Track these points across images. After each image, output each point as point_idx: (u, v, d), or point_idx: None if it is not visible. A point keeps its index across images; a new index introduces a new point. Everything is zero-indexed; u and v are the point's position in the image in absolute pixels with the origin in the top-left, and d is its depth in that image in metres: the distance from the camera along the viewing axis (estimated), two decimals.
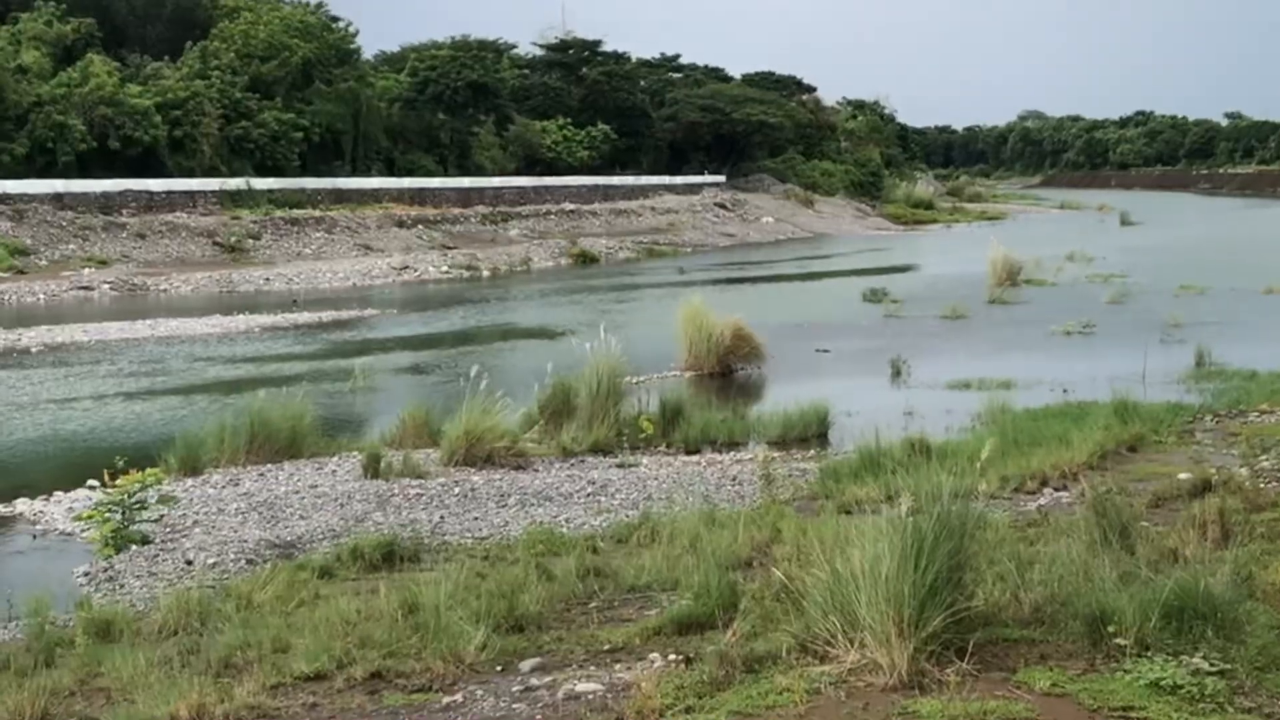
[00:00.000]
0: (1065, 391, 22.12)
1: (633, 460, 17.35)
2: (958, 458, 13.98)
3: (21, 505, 15.78)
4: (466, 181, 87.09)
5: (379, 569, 11.51)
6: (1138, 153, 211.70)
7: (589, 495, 15.06)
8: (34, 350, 32.60)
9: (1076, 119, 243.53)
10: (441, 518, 13.98)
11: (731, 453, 18.00)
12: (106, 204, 64.70)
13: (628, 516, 13.44)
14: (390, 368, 29.31)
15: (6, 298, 46.90)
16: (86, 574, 12.48)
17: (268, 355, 31.67)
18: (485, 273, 59.65)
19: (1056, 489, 13.65)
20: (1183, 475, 13.06)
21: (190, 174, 73.62)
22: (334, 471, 16.82)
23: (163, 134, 74.06)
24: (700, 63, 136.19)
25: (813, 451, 17.81)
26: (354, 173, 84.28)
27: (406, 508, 14.48)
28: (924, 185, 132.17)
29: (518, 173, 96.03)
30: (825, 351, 29.62)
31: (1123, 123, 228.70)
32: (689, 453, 18.07)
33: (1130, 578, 7.78)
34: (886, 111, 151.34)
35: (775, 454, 17.15)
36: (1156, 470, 13.96)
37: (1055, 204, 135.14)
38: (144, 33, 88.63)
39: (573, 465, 17.20)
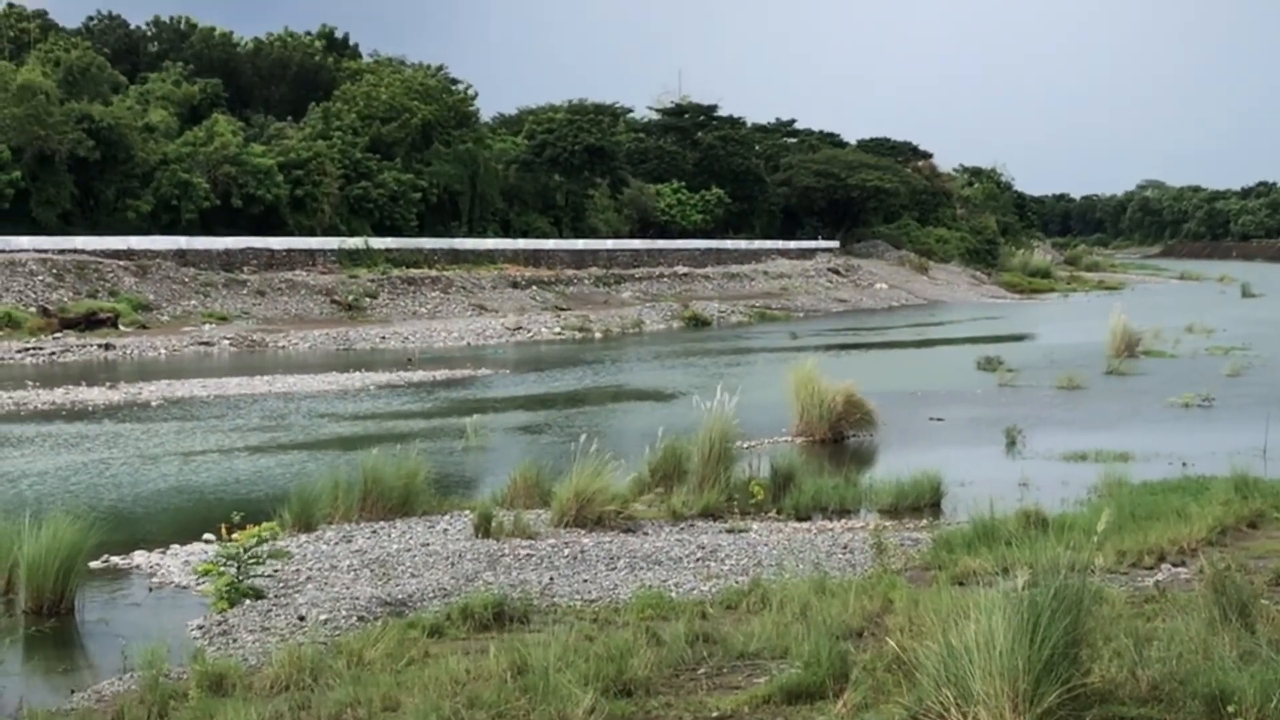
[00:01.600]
0: (1184, 465, 21.76)
1: (743, 525, 17.26)
2: (1074, 531, 13.80)
3: (139, 557, 15.99)
4: (580, 243, 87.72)
5: (488, 629, 11.54)
6: (1260, 224, 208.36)
7: (699, 560, 14.99)
8: (154, 404, 33.17)
9: (1197, 189, 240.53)
10: (551, 579, 13.98)
11: (843, 520, 17.86)
12: (228, 261, 65.93)
13: (737, 582, 13.36)
14: (502, 426, 29.45)
15: (129, 352, 47.81)
16: (201, 627, 12.60)
17: (383, 412, 31.98)
18: (597, 334, 59.89)
19: (1174, 565, 13.41)
20: None
21: (310, 232, 74.87)
22: (445, 530, 16.90)
23: (284, 193, 75.44)
24: (815, 128, 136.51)
25: (925, 521, 17.61)
26: (470, 233, 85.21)
27: (516, 568, 14.50)
28: (1041, 253, 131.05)
29: (631, 235, 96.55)
30: (939, 420, 29.35)
31: (1244, 193, 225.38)
32: (800, 519, 17.95)
33: (1251, 657, 7.61)
34: (1003, 179, 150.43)
35: (887, 522, 17.02)
36: (1278, 548, 13.66)
37: (1174, 274, 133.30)
38: (268, 93, 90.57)
39: (682, 529, 17.13)
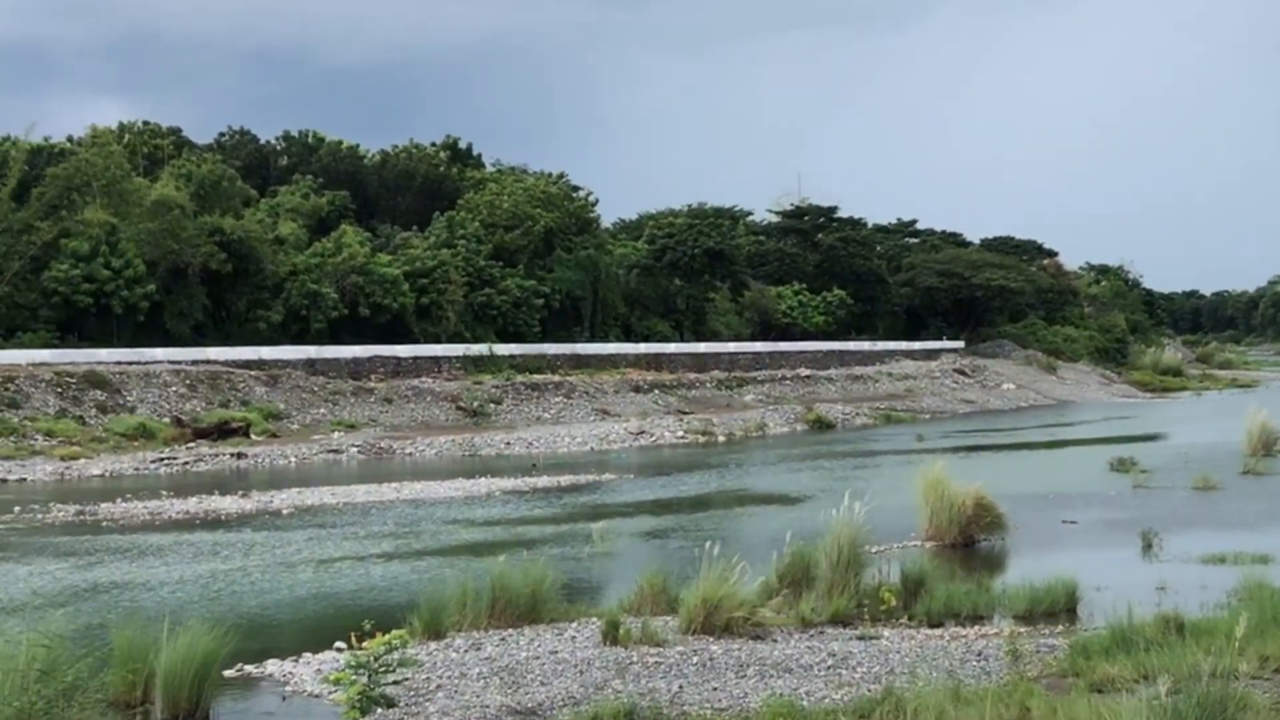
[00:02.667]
0: None
1: (874, 632, 17.04)
2: (1214, 636, 13.48)
3: (271, 666, 16.12)
4: (702, 346, 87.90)
5: None
6: None
7: (829, 668, 14.80)
8: (285, 512, 33.58)
9: None
10: (680, 687, 13.87)
11: (976, 626, 17.56)
12: (356, 369, 66.95)
13: (870, 690, 13.17)
14: (628, 532, 29.41)
15: (260, 460, 48.54)
16: None
17: (509, 518, 32.10)
18: (721, 437, 59.78)
19: None
20: None
21: (435, 340, 75.86)
22: (573, 637, 16.86)
23: (410, 301, 76.58)
24: (937, 228, 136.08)
25: (1061, 626, 17.28)
26: (592, 338, 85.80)
27: (645, 676, 14.41)
28: (1171, 351, 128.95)
29: (753, 338, 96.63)
30: (1072, 523, 28.86)
31: None
32: (932, 625, 17.68)
33: None
34: (1130, 276, 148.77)
35: (1022, 628, 16.71)
36: None
37: None
38: (394, 204, 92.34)
39: (812, 636, 16.95)
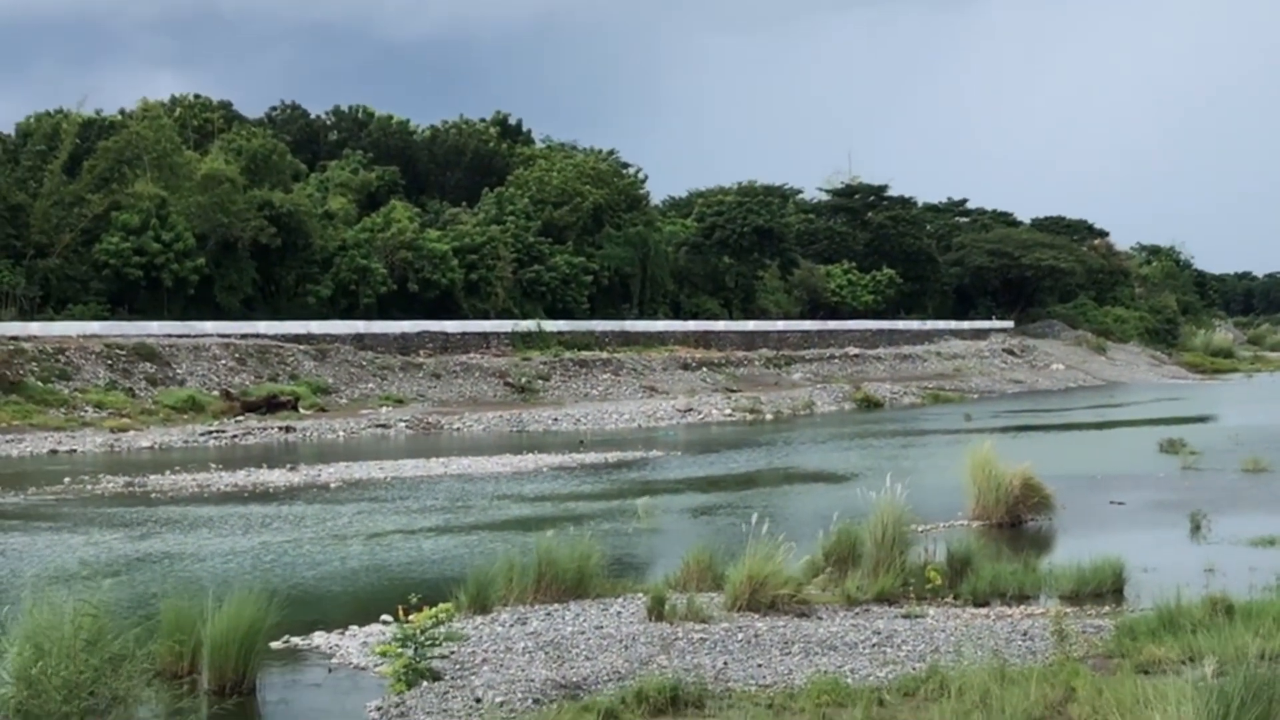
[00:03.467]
0: None
1: (919, 611, 17.00)
2: (1263, 618, 13.40)
3: (318, 638, 16.22)
4: (750, 324, 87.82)
5: (663, 713, 11.50)
6: None
7: (874, 646, 14.78)
8: (333, 486, 33.77)
9: None
10: (725, 663, 13.88)
11: (1022, 606, 17.49)
12: (404, 345, 67.22)
13: (914, 669, 13.14)
14: (674, 508, 29.42)
15: (308, 434, 48.81)
16: (379, 708, 12.72)
17: (556, 494, 32.17)
18: (768, 415, 59.72)
19: None
20: None
21: (484, 316, 76.06)
22: (619, 613, 16.89)
23: (459, 277, 76.80)
24: (988, 207, 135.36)
25: (1107, 607, 17.20)
26: (641, 315, 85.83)
27: (690, 652, 14.43)
28: (1223, 333, 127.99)
29: (801, 316, 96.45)
30: (1120, 504, 28.68)
31: None
32: (977, 605, 17.62)
33: None
34: (1182, 257, 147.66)
35: (1068, 609, 16.63)
36: None
37: None
38: (443, 180, 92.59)
39: (857, 614, 16.93)
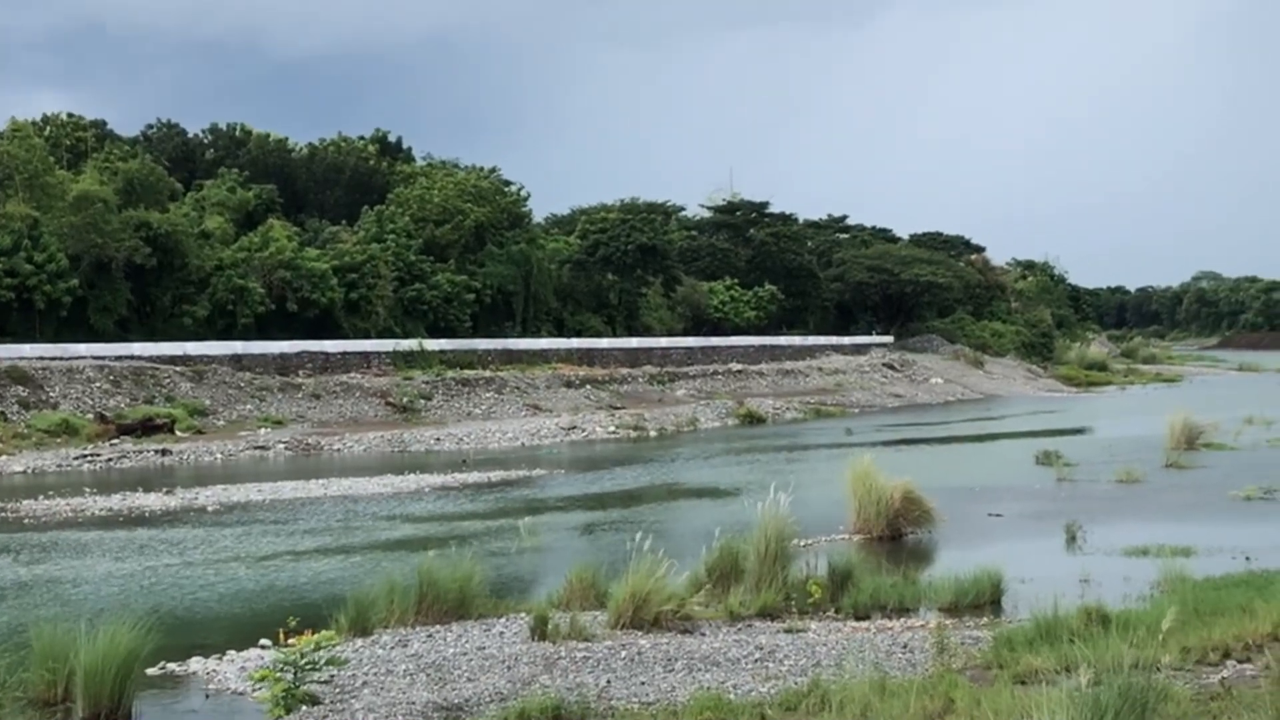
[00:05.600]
0: (1248, 559, 21.50)
1: (801, 625, 17.10)
2: (1137, 627, 13.63)
3: (196, 664, 15.99)
4: (634, 341, 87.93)
5: None
6: None
7: (756, 661, 14.83)
8: (211, 509, 33.29)
9: (1254, 279, 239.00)
10: (608, 682, 13.85)
11: (902, 619, 17.67)
12: (283, 365, 66.43)
13: (796, 683, 13.21)
14: (558, 527, 29.37)
15: (185, 457, 48.10)
16: None
17: (438, 515, 31.97)
18: (652, 433, 59.80)
19: (1240, 661, 13.20)
20: None
21: (365, 335, 75.45)
22: (501, 633, 16.82)
23: (339, 296, 76.14)
24: (867, 223, 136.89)
25: (986, 619, 17.42)
26: (524, 333, 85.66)
27: (573, 671, 14.39)
28: (1097, 346, 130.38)
29: (685, 333, 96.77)
30: (998, 516, 29.08)
31: None
32: (858, 618, 17.77)
33: None
34: (1057, 271, 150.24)
35: (947, 620, 16.81)
36: None
37: (1233, 365, 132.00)
38: (323, 198, 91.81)
39: (740, 629, 16.99)
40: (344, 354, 70.23)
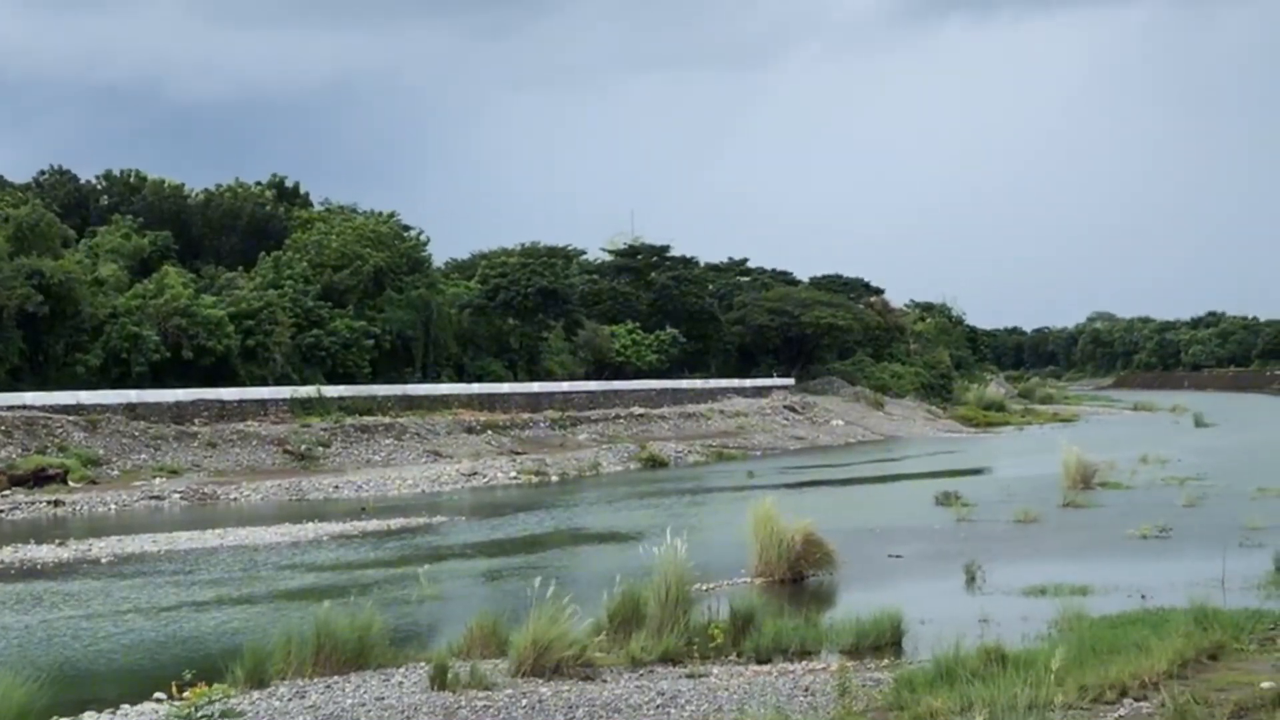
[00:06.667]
0: (1143, 597, 21.74)
1: (703, 670, 17.05)
2: (1034, 667, 13.72)
3: (88, 719, 15.66)
4: (535, 386, 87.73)
5: None
6: (1210, 353, 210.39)
7: (658, 707, 14.76)
8: (104, 560, 32.73)
9: (1147, 320, 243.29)
10: None
11: (804, 661, 17.67)
12: (179, 413, 65.52)
13: None
14: (459, 574, 29.17)
15: (78, 508, 47.30)
16: None
17: (338, 563, 31.64)
18: (554, 478, 59.64)
19: (1136, 699, 13.31)
20: (1266, 684, 12.75)
21: (262, 382, 74.60)
22: (400, 683, 16.62)
23: (235, 343, 75.31)
24: (768, 266, 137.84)
25: (887, 660, 17.47)
26: (424, 378, 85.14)
27: None
28: (995, 387, 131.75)
29: (587, 377, 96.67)
30: (898, 557, 29.24)
31: (1194, 323, 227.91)
32: (760, 662, 17.75)
33: None
34: (955, 313, 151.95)
35: (849, 663, 16.83)
36: (1238, 679, 13.61)
37: (1128, 405, 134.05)
38: (218, 244, 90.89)
39: (642, 675, 16.91)
40: (241, 402, 69.38)
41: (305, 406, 70.76)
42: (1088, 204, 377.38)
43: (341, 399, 73.40)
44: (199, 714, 13.57)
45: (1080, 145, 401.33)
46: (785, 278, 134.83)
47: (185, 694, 13.76)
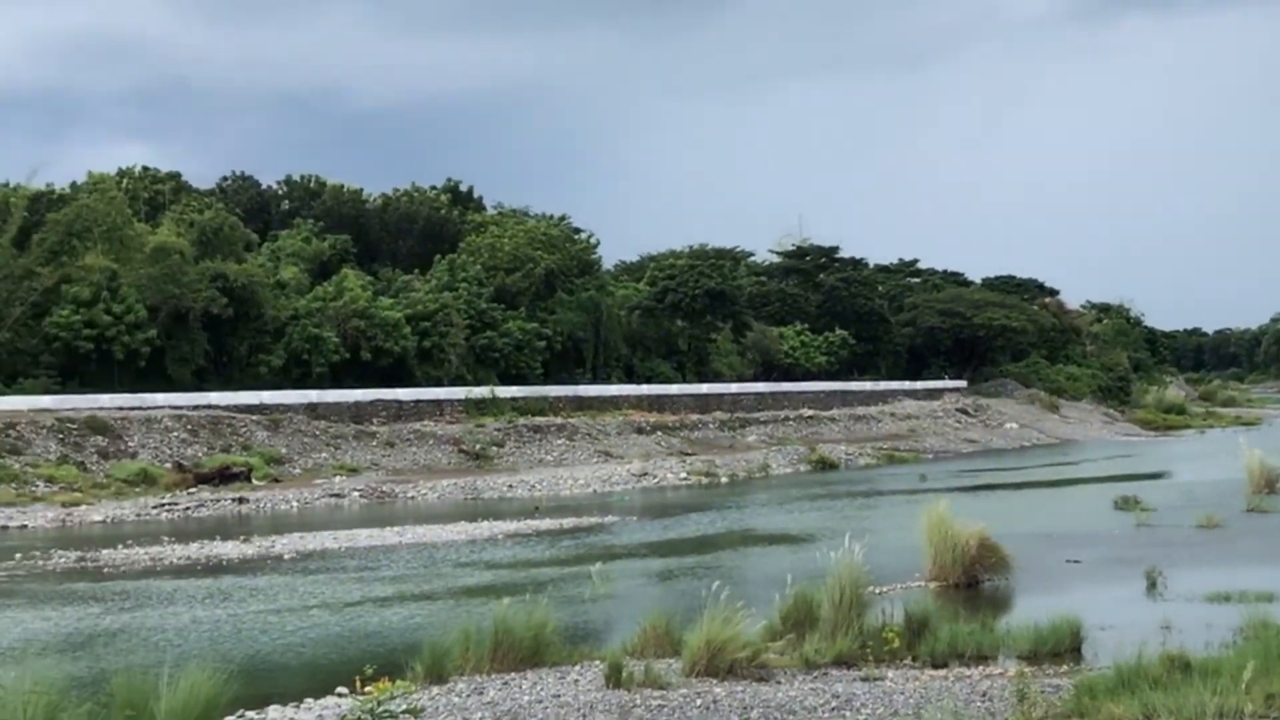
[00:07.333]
0: None
1: (878, 673, 16.95)
2: (1219, 675, 13.40)
3: (273, 712, 16.04)
4: (704, 387, 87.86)
5: None
6: None
7: (834, 709, 14.71)
8: (287, 557, 33.50)
9: None
10: None
11: (980, 666, 17.47)
12: (357, 413, 66.86)
13: None
14: (630, 574, 29.33)
15: (262, 505, 48.45)
16: None
17: (511, 561, 32.01)
18: (724, 479, 59.67)
19: None
20: None
21: (437, 383, 75.85)
22: (576, 681, 16.77)
23: (412, 344, 76.65)
24: (939, 267, 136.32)
25: (1066, 666, 17.20)
26: (594, 380, 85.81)
27: (649, 719, 14.32)
28: (1175, 389, 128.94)
29: (755, 378, 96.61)
30: (1076, 562, 28.75)
31: None
32: (936, 666, 17.59)
33: None
34: (1133, 314, 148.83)
35: (1026, 669, 16.61)
36: None
37: None
38: (395, 247, 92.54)
39: (816, 677, 16.86)
40: (417, 402, 70.62)
41: (479, 407, 71.78)
42: (1273, 201, 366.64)
43: (514, 399, 74.33)
44: (380, 709, 13.80)
45: (1264, 141, 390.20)
46: (957, 279, 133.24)
47: (367, 689, 14.01)
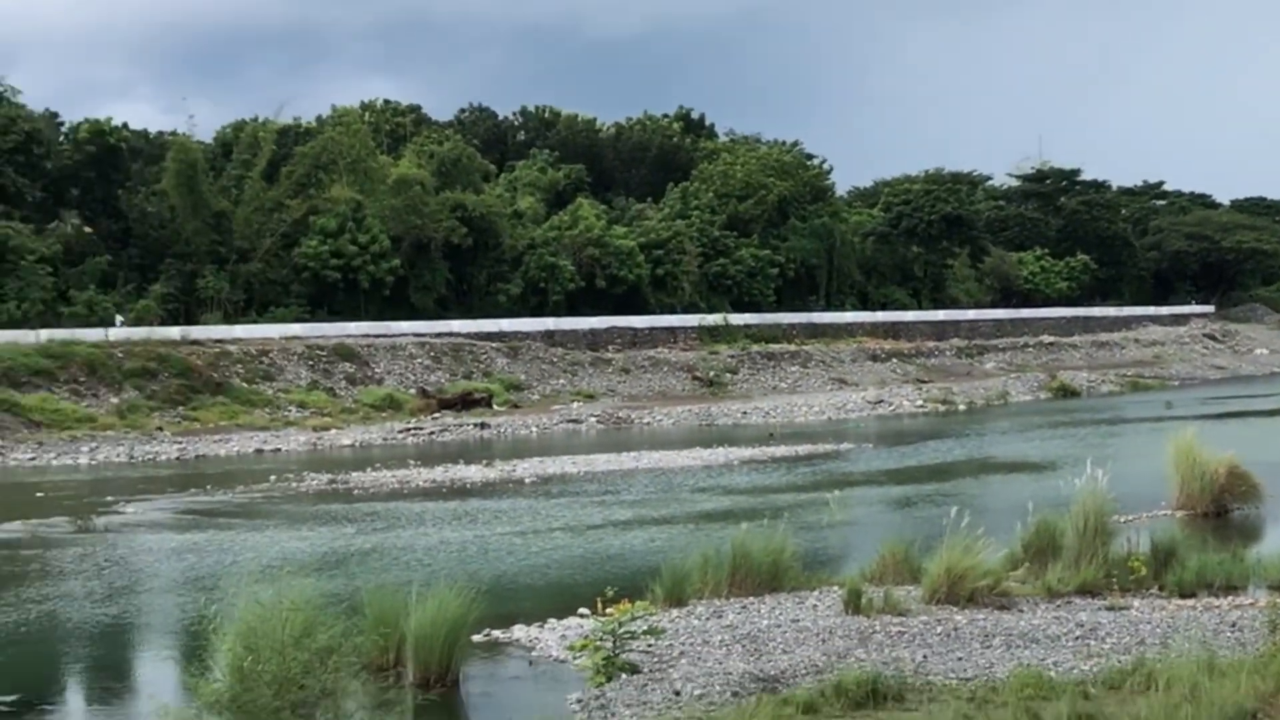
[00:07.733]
0: None
1: (1123, 603, 16.64)
2: None
3: (518, 631, 16.43)
4: (940, 314, 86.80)
5: (863, 706, 11.43)
6: None
7: (1077, 638, 14.51)
8: (528, 481, 34.17)
9: None
10: (925, 657, 13.74)
11: (1230, 597, 17.03)
12: (593, 340, 67.74)
13: (1120, 662, 12.87)
14: (866, 501, 29.24)
15: (502, 430, 49.45)
16: (579, 701, 12.84)
17: (747, 487, 32.16)
18: (961, 406, 58.94)
19: None
20: None
21: (671, 310, 76.33)
22: (814, 606, 16.82)
23: (645, 272, 77.17)
24: (1185, 189, 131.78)
25: None
26: (827, 307, 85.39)
27: (888, 645, 14.32)
28: None
29: (993, 305, 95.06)
30: None
31: None
32: (1183, 596, 17.19)
33: None
34: None
35: (1279, 599, 16.14)
36: None
37: None
38: (629, 176, 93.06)
39: (1058, 606, 16.62)
40: (651, 329, 71.26)
41: (712, 334, 72.11)
42: None
43: (747, 327, 74.48)
44: (623, 630, 14.05)
45: None
46: (1204, 201, 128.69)
47: (609, 610, 14.25)
